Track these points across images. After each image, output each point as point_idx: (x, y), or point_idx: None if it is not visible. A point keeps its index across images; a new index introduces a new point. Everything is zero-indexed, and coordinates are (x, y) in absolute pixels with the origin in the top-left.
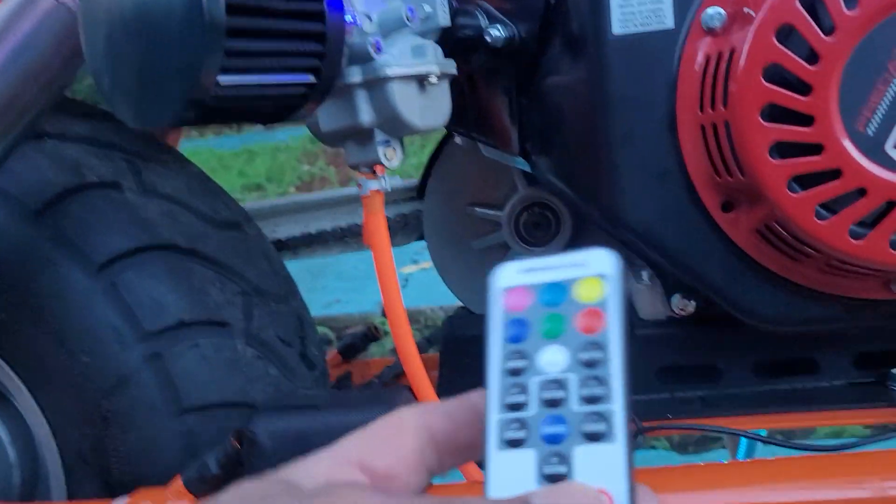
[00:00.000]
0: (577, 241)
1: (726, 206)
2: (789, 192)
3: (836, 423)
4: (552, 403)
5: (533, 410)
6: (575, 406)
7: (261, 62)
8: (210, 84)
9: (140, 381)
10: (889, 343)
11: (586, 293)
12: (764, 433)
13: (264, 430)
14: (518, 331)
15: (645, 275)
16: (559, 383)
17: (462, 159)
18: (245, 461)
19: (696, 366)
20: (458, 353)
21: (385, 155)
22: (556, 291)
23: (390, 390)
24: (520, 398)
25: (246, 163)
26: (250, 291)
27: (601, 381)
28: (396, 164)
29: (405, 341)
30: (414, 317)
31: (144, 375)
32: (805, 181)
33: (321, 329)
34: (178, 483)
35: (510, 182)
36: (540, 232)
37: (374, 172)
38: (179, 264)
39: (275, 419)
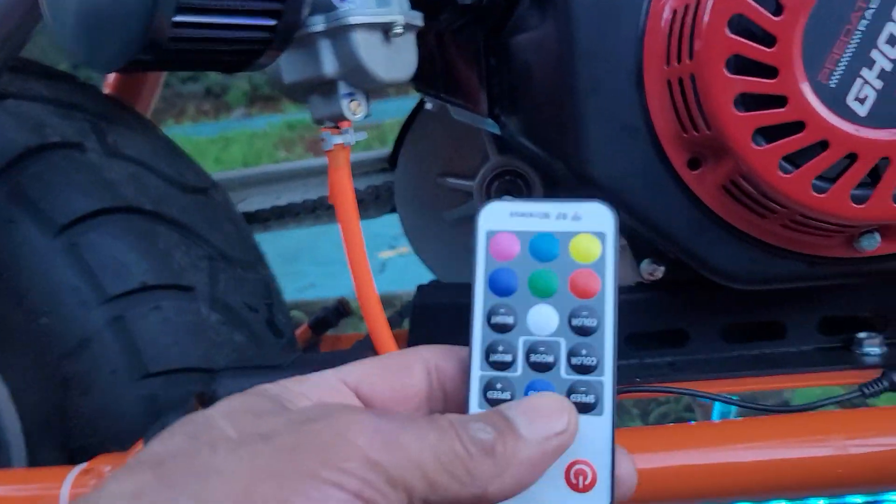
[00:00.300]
0: None
1: (693, 163)
2: (754, 145)
3: (802, 385)
4: (540, 367)
5: (519, 371)
6: (564, 373)
7: (218, 2)
8: (166, 23)
9: (101, 344)
10: (855, 308)
11: (582, 252)
12: (732, 397)
13: (227, 392)
14: (506, 282)
15: None
16: (549, 346)
17: (434, 129)
18: None
19: (665, 331)
20: (427, 322)
21: (349, 108)
22: (549, 244)
23: (356, 352)
24: (506, 357)
25: (222, 150)
26: (216, 256)
27: (592, 350)
28: (361, 117)
29: (368, 297)
30: (391, 301)
31: (105, 338)
32: (769, 134)
33: (295, 313)
34: (139, 447)
35: (482, 151)
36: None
37: (338, 127)
38: (143, 227)
39: (237, 380)
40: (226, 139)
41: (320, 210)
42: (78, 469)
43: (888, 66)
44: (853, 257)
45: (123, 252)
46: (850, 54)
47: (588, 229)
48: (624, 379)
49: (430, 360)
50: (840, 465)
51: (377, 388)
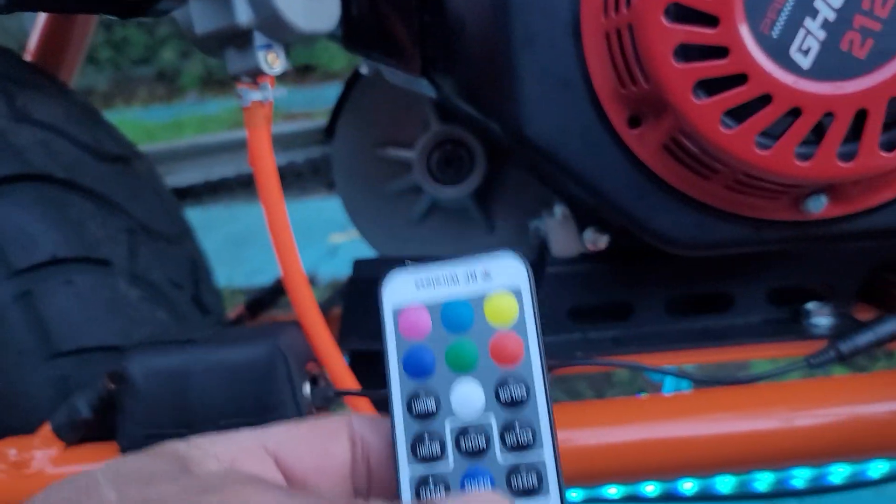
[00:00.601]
0: (491, 178)
1: (633, 121)
2: (694, 99)
3: (749, 357)
4: (473, 453)
5: (451, 462)
6: (500, 456)
7: None
8: None
9: (7, 322)
10: (803, 279)
11: (499, 314)
12: (675, 369)
13: (138, 369)
14: (422, 362)
15: (557, 210)
16: (478, 429)
17: (372, 97)
18: (118, 403)
19: (609, 304)
20: (362, 296)
21: (266, 60)
22: (462, 312)
23: (276, 325)
24: (434, 448)
25: (174, 134)
26: (136, 229)
27: (526, 422)
28: (279, 71)
29: (290, 263)
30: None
31: (11, 315)
32: (710, 87)
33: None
34: (46, 429)
35: (423, 119)
36: (452, 170)
37: (255, 82)
38: (53, 195)
39: (150, 356)
40: (178, 123)
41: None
42: None
43: (831, 16)
44: (800, 220)
45: (31, 223)
46: (793, 3)
47: (501, 287)
48: (565, 354)
49: (356, 430)
50: (785, 438)
51: (299, 454)
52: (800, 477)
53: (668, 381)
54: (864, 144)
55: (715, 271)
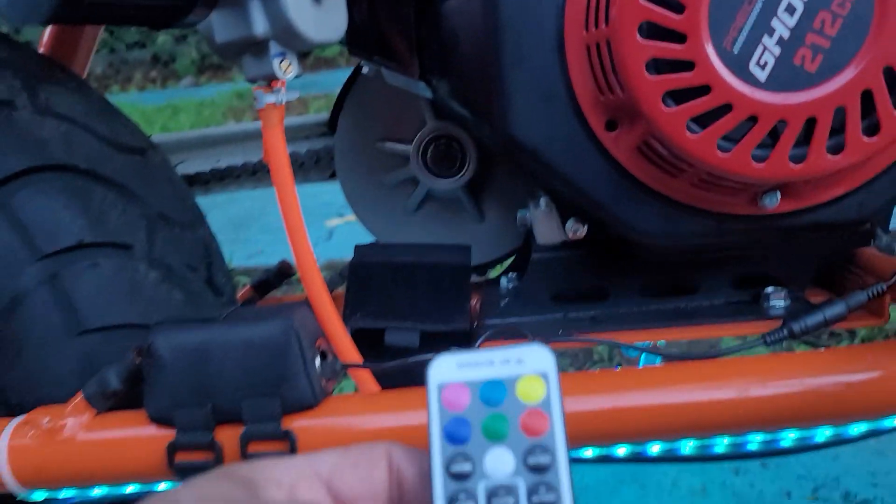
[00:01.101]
0: (482, 172)
1: (610, 126)
2: (663, 107)
3: (714, 335)
4: None
5: None
6: None
7: None
8: None
9: (36, 302)
10: (763, 266)
11: (528, 393)
12: (648, 345)
13: (164, 344)
14: (460, 431)
15: (542, 201)
16: (508, 489)
17: (372, 94)
18: (145, 376)
19: (588, 287)
20: (364, 278)
21: (280, 67)
22: (497, 390)
23: (290, 304)
24: None
25: (170, 118)
26: (154, 216)
27: (550, 486)
28: (292, 76)
29: (303, 251)
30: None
31: (40, 296)
32: (678, 97)
33: (243, 280)
34: (78, 399)
35: (419, 116)
36: (447, 163)
37: (270, 86)
38: (77, 185)
39: (174, 333)
40: (173, 107)
41: (261, 173)
42: (16, 421)
43: (786, 34)
44: (757, 214)
45: (58, 210)
46: (753, 22)
47: (531, 371)
48: (548, 332)
49: (393, 458)
50: (741, 407)
51: (347, 481)
52: (754, 441)
53: (642, 357)
54: (813, 148)
55: (684, 260)
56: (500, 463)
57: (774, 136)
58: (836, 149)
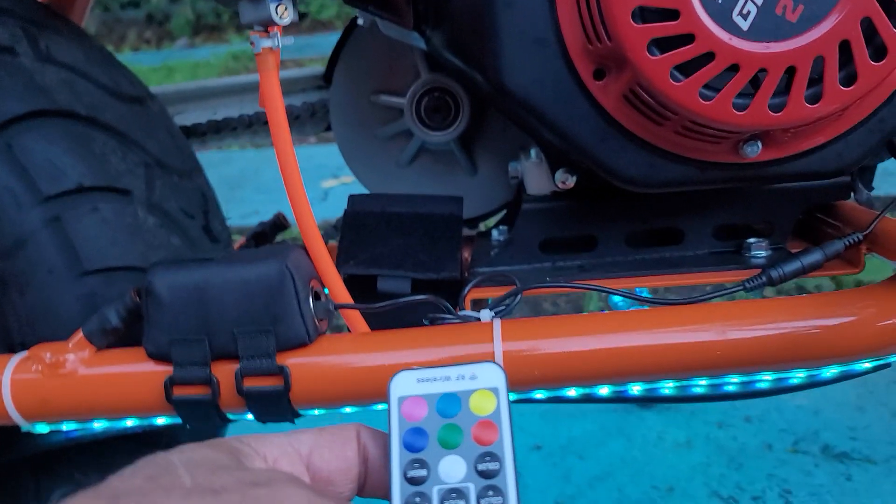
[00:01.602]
0: (475, 126)
1: (597, 74)
2: (648, 55)
3: (695, 282)
4: None
5: None
6: None
7: None
8: None
9: (38, 244)
10: (744, 217)
11: (480, 405)
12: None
13: (162, 281)
14: (417, 439)
15: (533, 152)
16: (459, 493)
17: (368, 47)
18: (144, 314)
19: (576, 237)
20: (358, 227)
21: (277, 12)
22: (452, 402)
23: (284, 246)
24: None
25: (164, 79)
26: (152, 163)
27: (498, 490)
28: (288, 21)
29: (297, 192)
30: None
31: (42, 238)
32: (663, 45)
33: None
34: (78, 336)
35: (413, 69)
36: (440, 116)
37: (266, 31)
38: (78, 131)
39: (172, 271)
40: (168, 68)
41: (257, 125)
42: (19, 357)
43: None
44: (739, 163)
45: (59, 154)
46: None
47: (484, 386)
48: (537, 280)
49: (361, 437)
50: (719, 348)
51: (324, 458)
52: (732, 384)
53: (621, 301)
54: (792, 97)
55: (669, 209)
56: (452, 469)
57: (755, 84)
58: (815, 98)
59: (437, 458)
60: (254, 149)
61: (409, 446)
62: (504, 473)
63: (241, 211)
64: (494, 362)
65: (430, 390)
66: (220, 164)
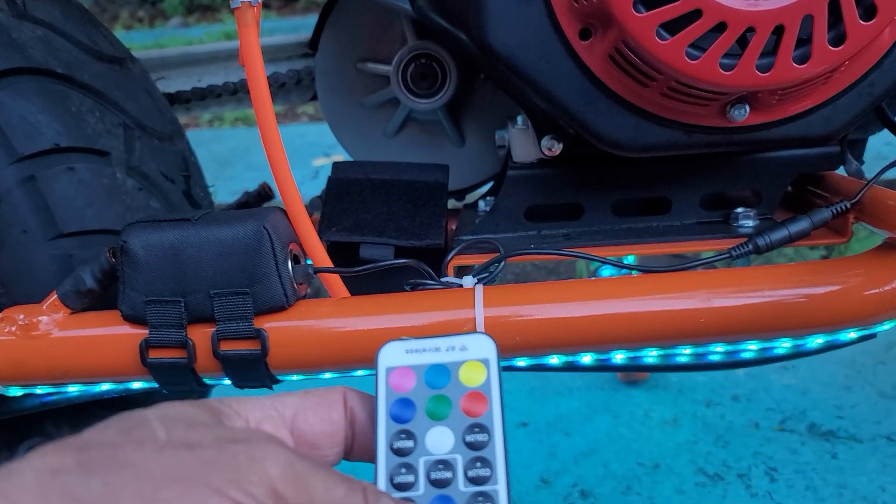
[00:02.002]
0: (462, 94)
1: (583, 34)
2: (634, 13)
3: (682, 251)
4: (440, 484)
5: (421, 490)
6: (462, 486)
7: None
8: None
9: (11, 203)
10: (732, 186)
11: (470, 377)
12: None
13: (137, 241)
14: (404, 411)
15: (520, 119)
16: (446, 464)
17: (354, 13)
18: (119, 275)
19: (562, 205)
20: (341, 194)
21: None
22: (441, 373)
23: (264, 208)
24: (408, 478)
25: None
26: (132, 125)
27: (486, 462)
28: None
29: (275, 149)
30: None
31: (16, 198)
32: (649, 2)
33: None
34: (53, 298)
35: (400, 36)
36: (427, 83)
37: None
38: (54, 89)
39: (148, 231)
40: (161, 46)
41: (242, 93)
42: None
43: None
44: (726, 126)
45: (34, 113)
46: None
47: (474, 357)
48: (520, 247)
49: (348, 400)
50: (703, 316)
51: (309, 422)
52: (716, 353)
53: (611, 270)
54: (779, 57)
55: (656, 178)
56: (440, 440)
57: (742, 44)
58: (803, 58)
59: (425, 430)
60: (245, 127)
61: (396, 417)
62: (493, 445)
63: (231, 188)
64: (486, 334)
65: (418, 361)
66: (210, 141)
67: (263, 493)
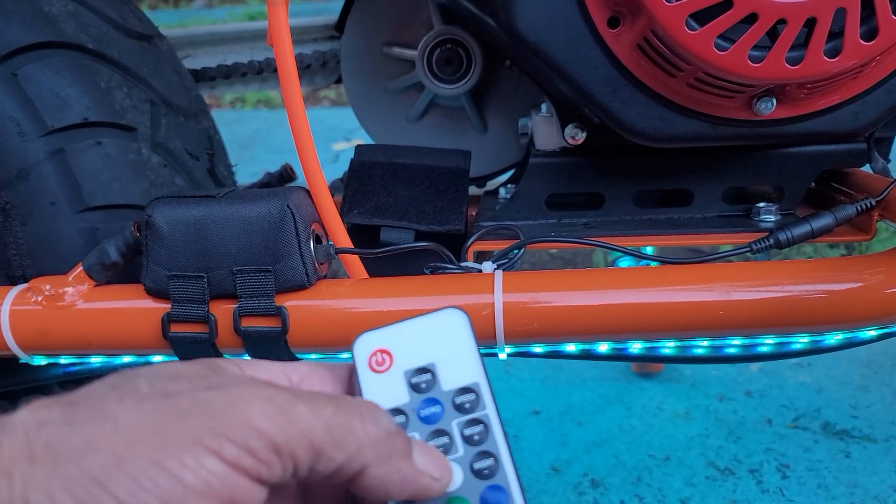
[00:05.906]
0: (486, 81)
1: (612, 22)
2: (664, 2)
3: (702, 243)
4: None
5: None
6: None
7: None
8: None
9: (41, 175)
10: (755, 180)
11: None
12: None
13: (162, 216)
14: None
15: (544, 107)
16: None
17: None
18: (143, 248)
19: (583, 194)
20: (364, 177)
21: None
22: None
23: (287, 187)
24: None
25: None
26: (158, 101)
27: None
28: None
29: (304, 138)
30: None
31: (45, 170)
32: None
33: None
34: (78, 270)
35: (427, 20)
36: (452, 69)
37: None
38: (84, 64)
39: (173, 206)
40: (184, 26)
41: (267, 73)
42: (19, 288)
43: None
44: (752, 119)
45: (64, 87)
46: None
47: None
48: (540, 234)
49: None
50: (721, 308)
51: (316, 389)
52: (733, 346)
53: (630, 261)
54: (810, 50)
55: (678, 169)
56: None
57: (773, 36)
58: (834, 52)
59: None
60: (267, 109)
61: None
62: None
63: (252, 170)
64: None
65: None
66: (232, 123)
67: (241, 434)
